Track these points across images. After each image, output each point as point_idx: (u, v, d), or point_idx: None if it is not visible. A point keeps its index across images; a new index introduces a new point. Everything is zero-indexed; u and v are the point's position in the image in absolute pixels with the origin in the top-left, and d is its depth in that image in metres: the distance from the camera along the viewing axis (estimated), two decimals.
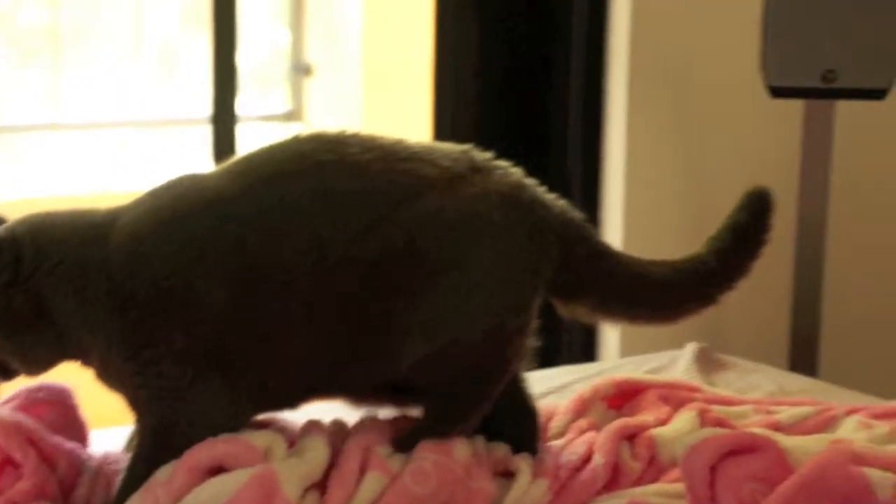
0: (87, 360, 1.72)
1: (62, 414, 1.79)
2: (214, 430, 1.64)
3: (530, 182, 1.77)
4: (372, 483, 1.63)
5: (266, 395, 1.69)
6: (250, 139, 2.85)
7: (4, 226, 1.71)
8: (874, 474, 1.59)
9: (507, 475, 1.73)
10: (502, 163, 1.77)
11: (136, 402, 1.70)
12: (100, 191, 4.20)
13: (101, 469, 1.74)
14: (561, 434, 1.88)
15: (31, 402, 1.78)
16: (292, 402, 1.74)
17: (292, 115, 4.61)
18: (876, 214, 2.94)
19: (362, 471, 1.65)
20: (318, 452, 1.65)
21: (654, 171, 2.80)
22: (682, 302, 1.84)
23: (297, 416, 1.74)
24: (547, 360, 1.87)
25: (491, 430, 1.76)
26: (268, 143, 1.75)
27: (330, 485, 1.63)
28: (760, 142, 2.83)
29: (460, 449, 1.71)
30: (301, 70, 4.63)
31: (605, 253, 1.80)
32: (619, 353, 2.68)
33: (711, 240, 1.82)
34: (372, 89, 4.48)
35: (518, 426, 1.79)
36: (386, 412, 1.79)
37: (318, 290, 1.66)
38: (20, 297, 1.69)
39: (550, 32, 2.80)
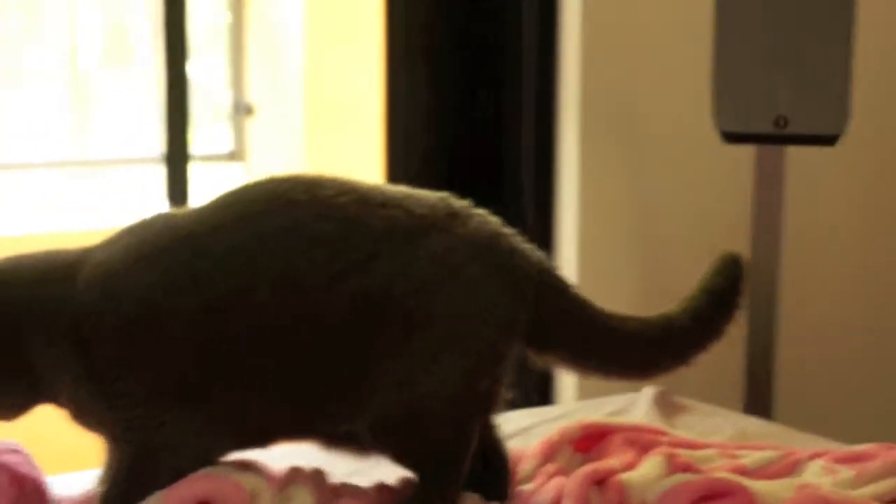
0: (59, 402, 1.70)
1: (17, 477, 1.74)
2: (188, 462, 1.64)
3: (508, 231, 1.75)
4: None
5: (239, 431, 1.67)
6: (194, 179, 2.83)
7: None
8: None
9: None
10: (479, 210, 1.75)
11: (111, 436, 1.68)
12: (50, 230, 4.17)
13: None
14: (530, 478, 1.87)
15: None
16: (265, 440, 1.72)
17: (234, 155, 4.60)
18: (828, 257, 2.97)
19: None
20: (304, 501, 1.66)
21: (607, 214, 2.80)
22: (656, 360, 1.82)
23: (277, 462, 1.73)
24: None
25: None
26: (243, 183, 1.73)
27: None
28: (713, 186, 2.85)
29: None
30: (242, 109, 4.61)
31: (582, 306, 1.77)
32: (577, 395, 2.68)
33: (687, 301, 1.80)
34: (314, 130, 4.48)
35: (491, 473, 1.78)
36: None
37: (288, 332, 1.64)
38: None
39: (502, 75, 2.80)
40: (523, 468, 1.90)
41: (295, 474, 1.71)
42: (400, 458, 1.72)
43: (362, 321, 1.65)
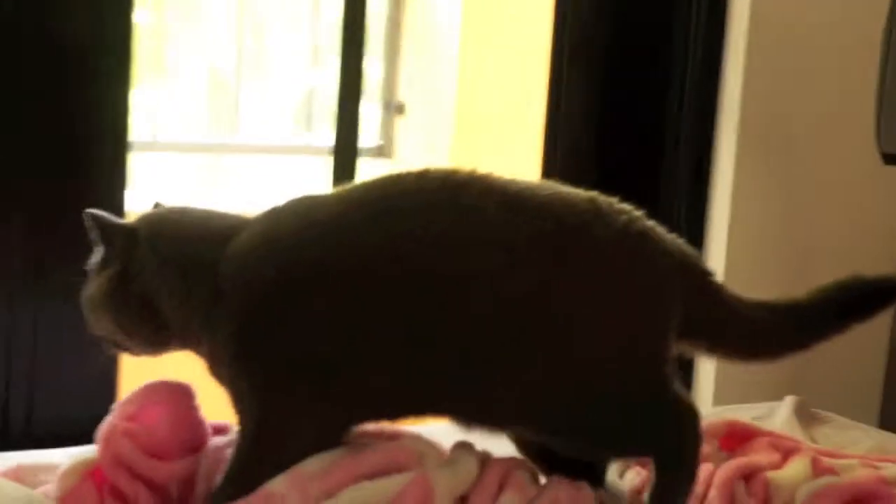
0: (198, 351, 1.74)
1: (179, 414, 1.78)
2: (312, 436, 1.66)
3: (652, 225, 1.73)
4: (508, 502, 1.65)
5: (364, 408, 1.68)
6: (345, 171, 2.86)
7: (142, 215, 1.76)
8: None
9: None
10: (626, 207, 1.73)
11: (239, 399, 1.70)
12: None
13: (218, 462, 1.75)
14: None
15: (148, 403, 1.78)
16: (394, 416, 1.72)
17: (382, 151, 4.64)
18: None
19: (501, 488, 1.66)
20: (468, 466, 1.67)
21: (758, 229, 2.79)
22: (781, 344, 1.82)
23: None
24: None
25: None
26: (386, 174, 1.73)
27: (471, 498, 1.65)
28: (865, 208, 2.83)
29: (589, 489, 1.73)
30: (392, 108, 4.65)
31: (723, 299, 1.77)
32: (713, 401, 2.68)
33: (820, 291, 1.81)
34: (463, 131, 4.49)
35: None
36: None
37: (419, 321, 1.64)
38: (135, 284, 1.72)
39: (665, 84, 2.80)
40: None
41: (462, 444, 1.72)
42: (594, 454, 1.75)
43: (500, 327, 1.64)
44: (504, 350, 1.65)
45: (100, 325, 1.78)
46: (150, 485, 1.71)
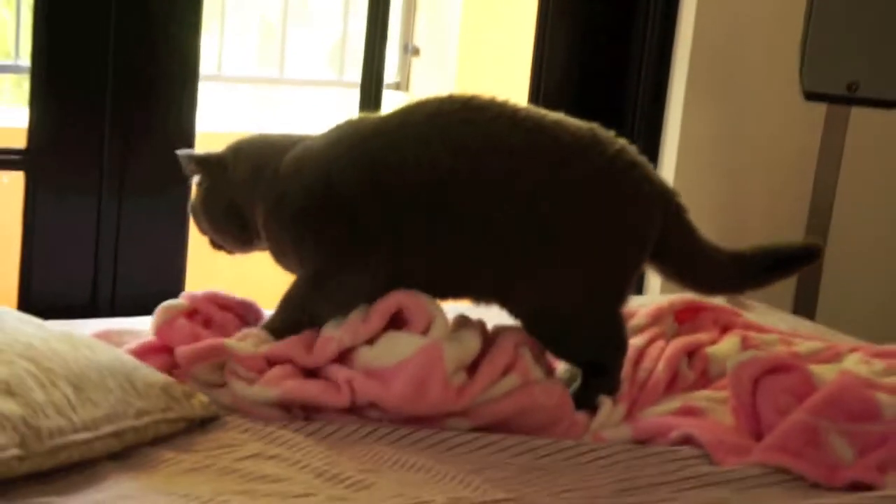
0: (266, 245, 1.77)
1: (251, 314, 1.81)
2: (350, 297, 1.65)
3: (642, 160, 1.71)
4: (510, 381, 1.62)
5: (397, 284, 1.66)
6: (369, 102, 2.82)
7: (227, 146, 1.81)
8: (882, 397, 1.60)
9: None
10: (622, 140, 1.71)
11: (298, 268, 1.72)
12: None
13: None
14: (638, 331, 1.87)
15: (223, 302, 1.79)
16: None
17: (399, 86, 4.62)
18: (874, 199, 2.92)
19: (507, 369, 1.63)
20: (473, 343, 1.65)
21: (702, 150, 2.77)
22: (723, 286, 1.85)
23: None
24: None
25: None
26: (426, 99, 1.72)
27: (479, 371, 1.62)
28: (789, 136, 2.81)
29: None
30: (409, 50, 4.61)
31: (691, 231, 1.75)
32: (660, 288, 2.67)
33: (761, 251, 1.78)
34: (465, 69, 4.46)
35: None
36: None
37: (438, 213, 1.63)
38: (223, 192, 1.77)
39: (630, 35, 2.76)
40: (635, 322, 1.90)
41: (465, 320, 1.71)
42: (553, 351, 1.72)
43: (511, 227, 1.63)
44: (506, 243, 1.63)
45: (201, 227, 1.83)
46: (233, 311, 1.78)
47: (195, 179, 1.83)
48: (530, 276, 1.64)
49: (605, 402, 1.68)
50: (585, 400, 1.68)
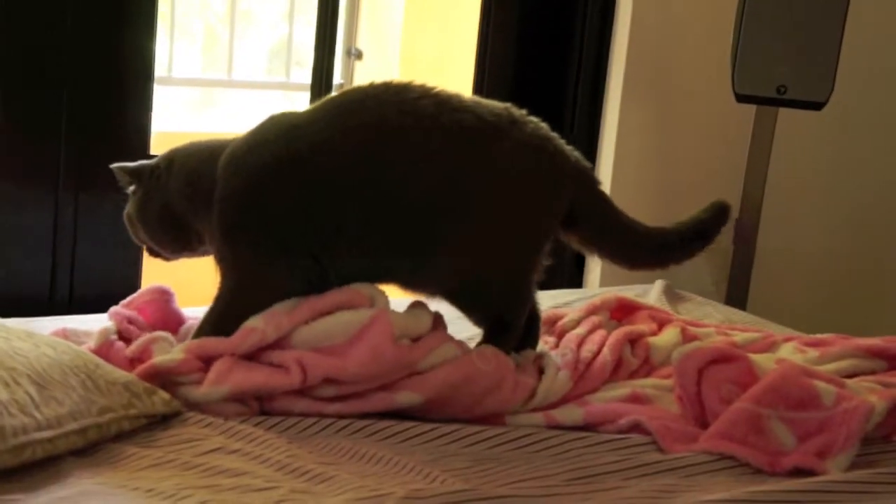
0: (206, 249, 1.73)
1: (162, 308, 1.79)
2: (277, 293, 1.62)
3: (555, 135, 1.72)
4: (447, 349, 1.63)
5: (327, 277, 1.64)
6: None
7: (162, 154, 1.77)
8: (820, 385, 1.59)
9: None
10: (534, 118, 1.71)
11: (222, 267, 1.68)
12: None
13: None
14: (576, 324, 1.86)
15: (140, 302, 1.78)
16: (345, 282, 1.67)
17: (342, 88, 4.57)
18: (800, 194, 2.94)
19: (441, 341, 1.64)
20: (424, 318, 1.66)
21: (638, 147, 2.77)
22: (644, 259, 1.80)
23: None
24: (544, 284, 1.82)
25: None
26: (351, 87, 1.70)
27: (420, 340, 1.63)
28: (720, 136, 2.81)
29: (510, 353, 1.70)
30: (353, 55, 4.56)
31: (604, 201, 1.75)
32: (600, 283, 2.66)
33: (679, 225, 1.77)
34: (408, 72, 4.43)
35: (528, 327, 1.77)
36: None
37: (367, 201, 1.61)
38: (157, 200, 1.73)
39: (568, 40, 2.75)
40: (569, 318, 1.89)
41: (418, 303, 1.70)
42: (470, 314, 1.72)
43: (434, 202, 1.61)
44: (429, 218, 1.61)
45: (138, 235, 1.79)
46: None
47: (130, 189, 1.78)
48: (452, 248, 1.63)
49: (550, 367, 1.68)
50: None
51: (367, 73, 4.55)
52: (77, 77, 2.17)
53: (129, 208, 1.78)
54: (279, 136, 1.65)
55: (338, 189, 1.61)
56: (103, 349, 1.63)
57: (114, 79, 2.22)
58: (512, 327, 1.72)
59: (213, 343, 1.58)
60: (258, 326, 1.58)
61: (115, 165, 1.77)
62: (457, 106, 1.64)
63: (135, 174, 1.76)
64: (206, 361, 1.57)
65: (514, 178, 1.65)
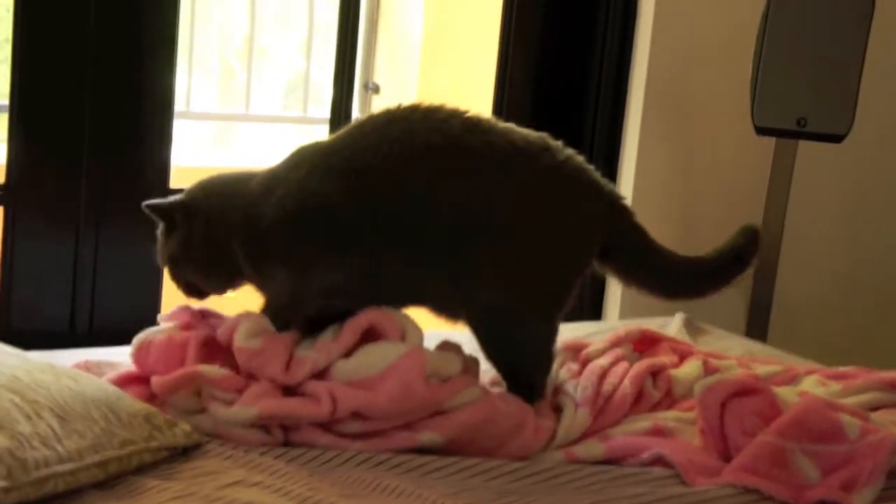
0: (248, 279, 1.70)
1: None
2: (329, 287, 1.62)
3: (590, 167, 1.71)
4: (473, 392, 1.61)
5: (360, 298, 1.64)
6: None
7: (189, 189, 1.73)
8: (844, 418, 1.58)
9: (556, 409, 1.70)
10: (570, 150, 1.69)
11: (262, 293, 1.69)
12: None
13: None
14: (600, 353, 1.84)
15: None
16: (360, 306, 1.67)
17: None
18: (821, 228, 2.93)
19: (468, 384, 1.63)
20: (455, 360, 1.64)
21: (658, 176, 2.76)
22: (683, 289, 1.79)
23: None
24: (564, 315, 1.80)
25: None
26: (371, 114, 1.68)
27: (448, 382, 1.61)
28: (740, 168, 2.81)
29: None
30: (370, 89, 4.58)
31: (640, 232, 1.74)
32: (620, 315, 2.65)
33: (715, 252, 1.76)
34: None
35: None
36: None
37: (406, 211, 1.60)
38: (201, 236, 1.69)
39: (588, 63, 2.75)
40: (594, 346, 1.87)
41: (449, 345, 1.69)
42: (490, 350, 1.68)
43: (460, 224, 1.60)
44: (462, 241, 1.60)
45: (182, 275, 1.74)
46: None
47: (160, 230, 1.73)
48: (482, 273, 1.61)
49: (568, 406, 1.67)
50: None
51: (384, 107, 4.56)
52: (96, 112, 2.18)
53: (167, 251, 1.72)
54: (322, 157, 1.64)
55: (386, 204, 1.60)
56: (140, 353, 1.63)
57: (133, 113, 2.22)
58: (533, 386, 1.69)
59: (268, 368, 1.57)
60: (309, 357, 1.58)
61: (147, 204, 1.72)
62: (489, 129, 1.63)
63: (167, 213, 1.71)
64: (248, 380, 1.58)
65: (548, 204, 1.63)
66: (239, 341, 1.58)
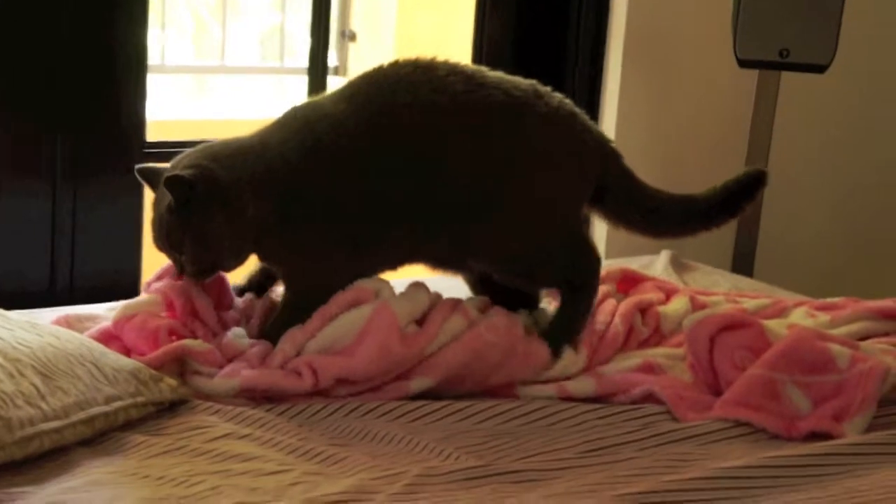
0: (256, 251, 1.66)
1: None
2: (335, 284, 1.62)
3: (580, 111, 1.73)
4: (455, 323, 1.62)
5: (377, 262, 1.67)
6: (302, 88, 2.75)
7: (185, 162, 1.61)
8: (834, 348, 1.58)
9: None
10: (559, 94, 1.72)
11: (286, 272, 1.68)
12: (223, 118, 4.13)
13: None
14: None
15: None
16: (394, 265, 1.71)
17: (338, 70, 4.56)
18: (805, 157, 2.91)
19: (451, 313, 1.63)
20: (422, 297, 1.65)
21: (640, 115, 2.74)
22: (672, 228, 1.79)
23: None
24: None
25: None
26: (373, 68, 1.68)
27: (426, 320, 1.62)
28: (723, 101, 2.79)
29: (523, 317, 1.69)
30: (347, 36, 4.55)
31: (629, 174, 1.76)
32: (606, 254, 2.64)
33: (708, 192, 1.76)
34: (403, 54, 4.41)
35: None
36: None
37: (415, 168, 1.61)
38: (217, 209, 1.58)
39: (567, 9, 2.72)
40: None
41: (417, 283, 1.68)
42: (531, 279, 1.72)
43: (472, 174, 1.63)
44: (467, 197, 1.62)
45: (201, 256, 1.61)
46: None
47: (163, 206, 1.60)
48: (493, 218, 1.64)
49: (568, 349, 1.67)
50: (565, 321, 1.69)
51: (361, 55, 4.54)
52: (71, 67, 2.14)
53: (184, 225, 1.57)
54: (318, 130, 1.62)
55: (397, 162, 1.62)
56: (121, 321, 1.61)
57: (107, 69, 2.19)
58: (584, 285, 1.71)
59: (246, 356, 1.58)
60: (279, 349, 1.59)
61: (168, 175, 1.57)
62: (487, 82, 1.66)
63: (189, 185, 1.55)
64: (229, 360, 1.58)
65: (549, 147, 1.67)
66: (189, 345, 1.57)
